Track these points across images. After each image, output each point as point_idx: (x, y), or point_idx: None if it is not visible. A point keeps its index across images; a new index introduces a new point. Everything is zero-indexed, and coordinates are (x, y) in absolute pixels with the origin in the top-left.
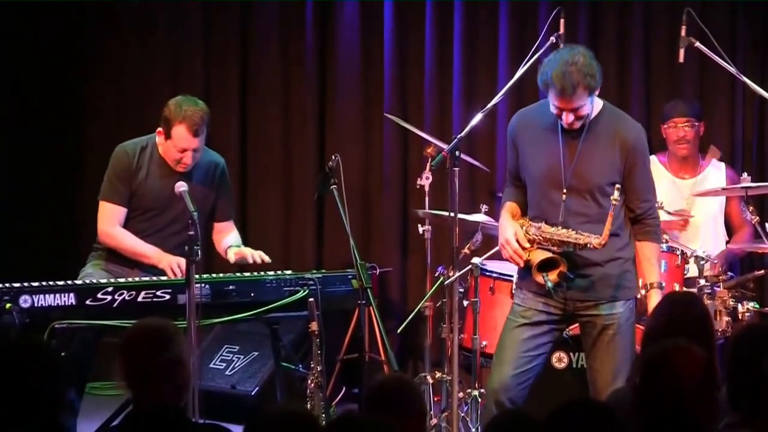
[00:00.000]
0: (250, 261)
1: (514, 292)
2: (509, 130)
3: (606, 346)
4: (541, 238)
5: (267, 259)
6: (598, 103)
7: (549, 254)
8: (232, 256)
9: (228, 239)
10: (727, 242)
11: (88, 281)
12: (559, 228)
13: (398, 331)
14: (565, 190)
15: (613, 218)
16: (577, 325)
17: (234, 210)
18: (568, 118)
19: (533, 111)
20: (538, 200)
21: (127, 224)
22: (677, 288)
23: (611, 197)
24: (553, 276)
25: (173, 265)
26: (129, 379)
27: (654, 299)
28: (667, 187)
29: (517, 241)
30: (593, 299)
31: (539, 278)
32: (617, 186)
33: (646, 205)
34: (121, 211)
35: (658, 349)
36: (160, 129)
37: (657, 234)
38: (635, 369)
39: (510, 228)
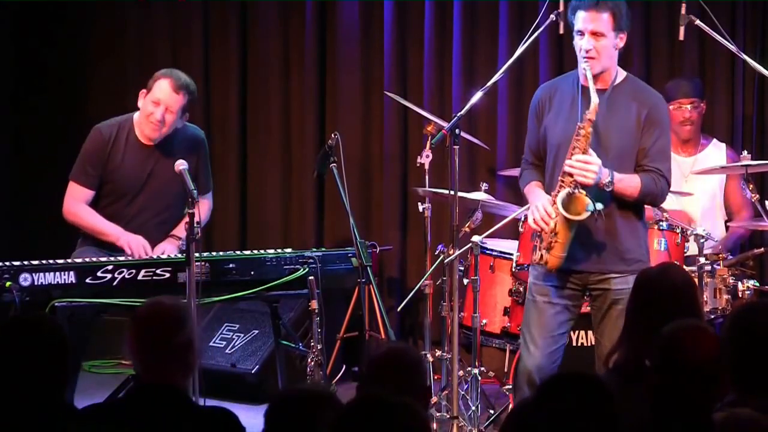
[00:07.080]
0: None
1: (529, 269)
2: (533, 103)
3: (615, 320)
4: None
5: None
6: (621, 73)
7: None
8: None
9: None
10: (727, 222)
11: (87, 259)
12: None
13: (398, 309)
14: None
15: None
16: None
17: (211, 184)
18: (587, 43)
19: (556, 81)
20: (554, 169)
21: (103, 211)
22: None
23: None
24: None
25: (132, 243)
26: (140, 358)
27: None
28: None
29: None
30: (606, 272)
31: (580, 202)
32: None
33: (654, 165)
34: (87, 194)
35: (673, 329)
36: (144, 90)
37: (649, 182)
38: (653, 351)
39: (543, 197)
